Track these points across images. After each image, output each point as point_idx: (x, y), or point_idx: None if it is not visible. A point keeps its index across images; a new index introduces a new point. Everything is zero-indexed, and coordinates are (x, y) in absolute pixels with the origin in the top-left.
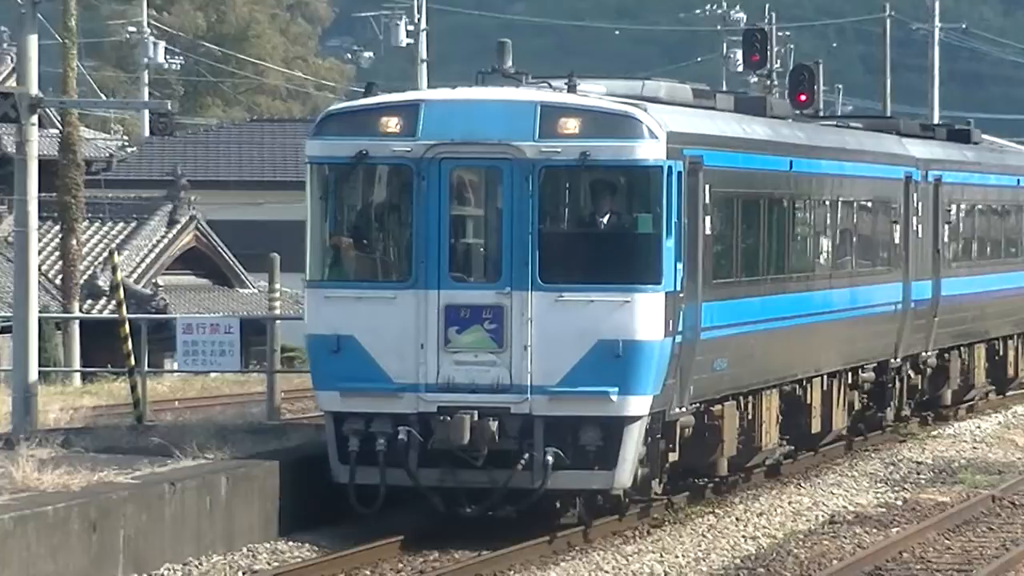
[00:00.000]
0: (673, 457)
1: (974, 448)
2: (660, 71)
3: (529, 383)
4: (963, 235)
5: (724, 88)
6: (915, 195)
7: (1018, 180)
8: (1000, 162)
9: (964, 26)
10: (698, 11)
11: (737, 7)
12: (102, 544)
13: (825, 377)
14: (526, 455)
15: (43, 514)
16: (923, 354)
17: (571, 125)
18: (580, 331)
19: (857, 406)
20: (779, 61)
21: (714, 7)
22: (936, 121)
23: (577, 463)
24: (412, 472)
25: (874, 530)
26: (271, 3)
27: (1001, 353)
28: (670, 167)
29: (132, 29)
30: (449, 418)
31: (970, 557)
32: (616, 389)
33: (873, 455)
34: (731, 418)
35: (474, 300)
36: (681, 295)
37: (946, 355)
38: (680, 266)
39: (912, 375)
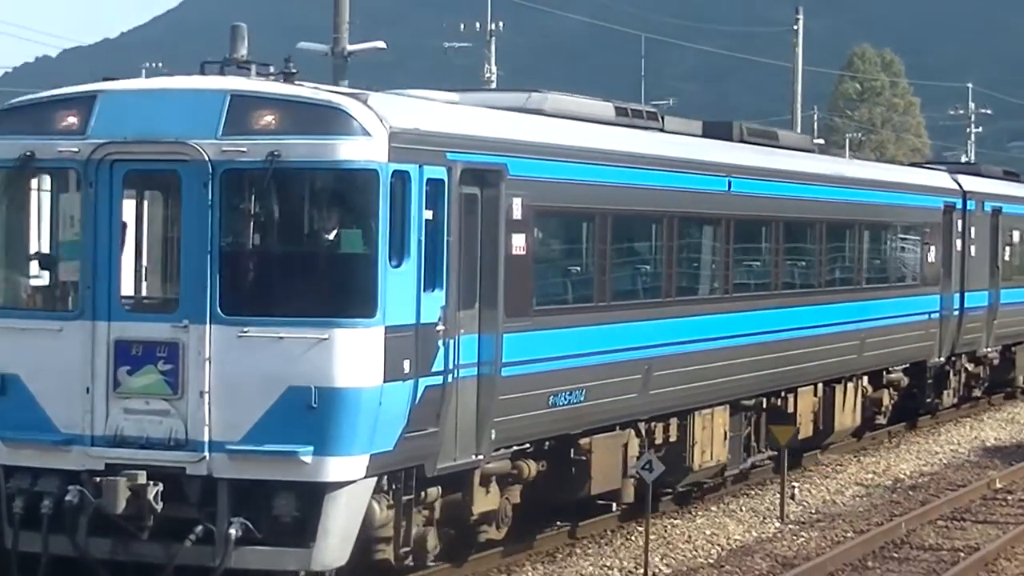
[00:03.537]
0: (482, 509)
1: None
2: None
3: (207, 438)
4: (1022, 254)
5: None
6: (960, 221)
7: None
8: None
9: None
10: None
11: None
12: None
13: (819, 385)
14: (199, 527)
15: None
16: (982, 349)
17: (265, 120)
18: (267, 375)
19: (887, 402)
20: None
21: None
22: None
23: (270, 537)
24: (78, 541)
25: None
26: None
27: None
28: (404, 172)
29: None
30: (103, 480)
31: None
32: (310, 448)
33: None
34: (605, 449)
35: (147, 335)
36: (439, 329)
37: (1012, 348)
38: (438, 293)
39: (970, 367)
